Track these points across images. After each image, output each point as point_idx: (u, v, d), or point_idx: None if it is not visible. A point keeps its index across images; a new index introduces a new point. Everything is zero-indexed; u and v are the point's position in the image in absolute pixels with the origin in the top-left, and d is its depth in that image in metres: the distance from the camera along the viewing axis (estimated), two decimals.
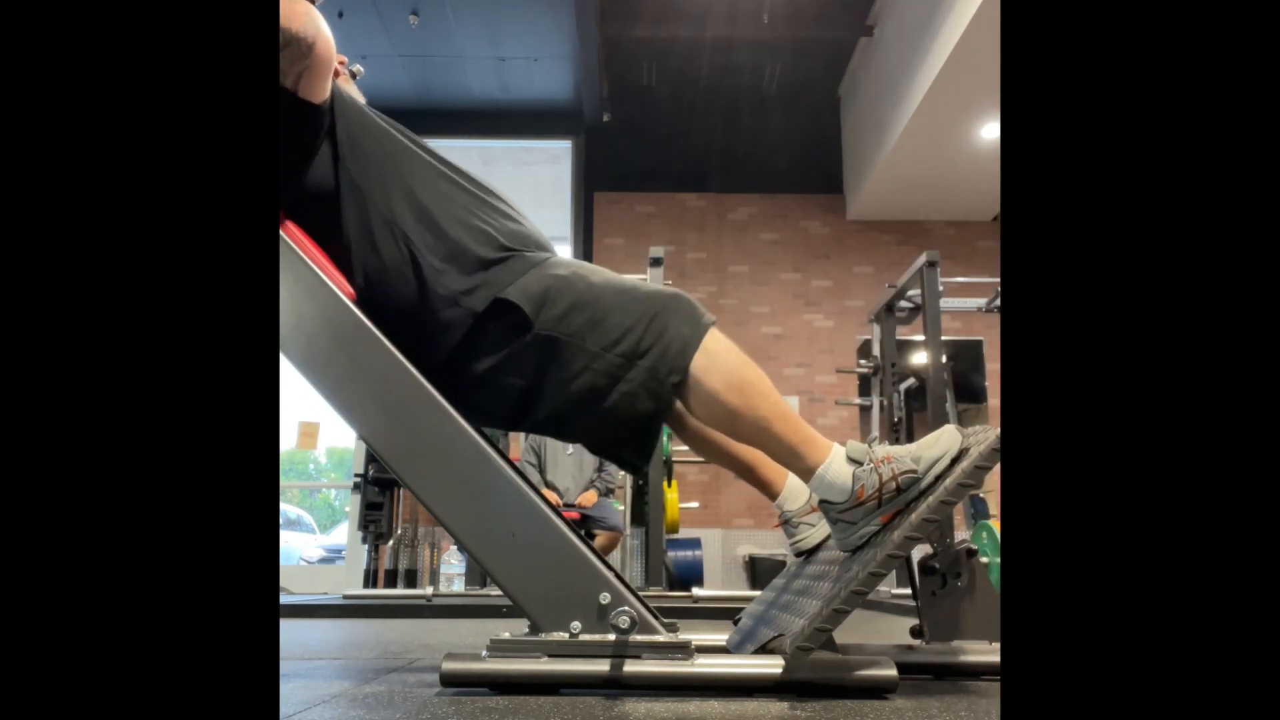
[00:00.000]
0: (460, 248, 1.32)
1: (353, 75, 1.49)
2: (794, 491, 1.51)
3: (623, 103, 7.51)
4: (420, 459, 1.23)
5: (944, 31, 5.17)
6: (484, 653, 1.16)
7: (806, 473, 1.27)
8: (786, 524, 1.54)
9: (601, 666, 1.15)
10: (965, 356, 6.29)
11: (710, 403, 1.26)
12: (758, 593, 1.89)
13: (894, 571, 1.90)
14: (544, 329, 1.28)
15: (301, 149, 1.32)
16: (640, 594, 1.25)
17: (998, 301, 4.55)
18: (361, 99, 1.43)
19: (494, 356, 1.29)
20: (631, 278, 1.38)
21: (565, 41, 6.49)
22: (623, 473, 4.44)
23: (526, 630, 1.20)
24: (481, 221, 1.35)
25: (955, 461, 1.20)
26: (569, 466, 4.73)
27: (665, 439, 3.96)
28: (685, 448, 1.87)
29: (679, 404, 1.32)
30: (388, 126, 1.40)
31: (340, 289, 1.27)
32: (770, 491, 1.53)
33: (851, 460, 1.24)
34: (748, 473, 1.52)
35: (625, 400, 1.27)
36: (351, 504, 5.31)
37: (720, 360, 1.26)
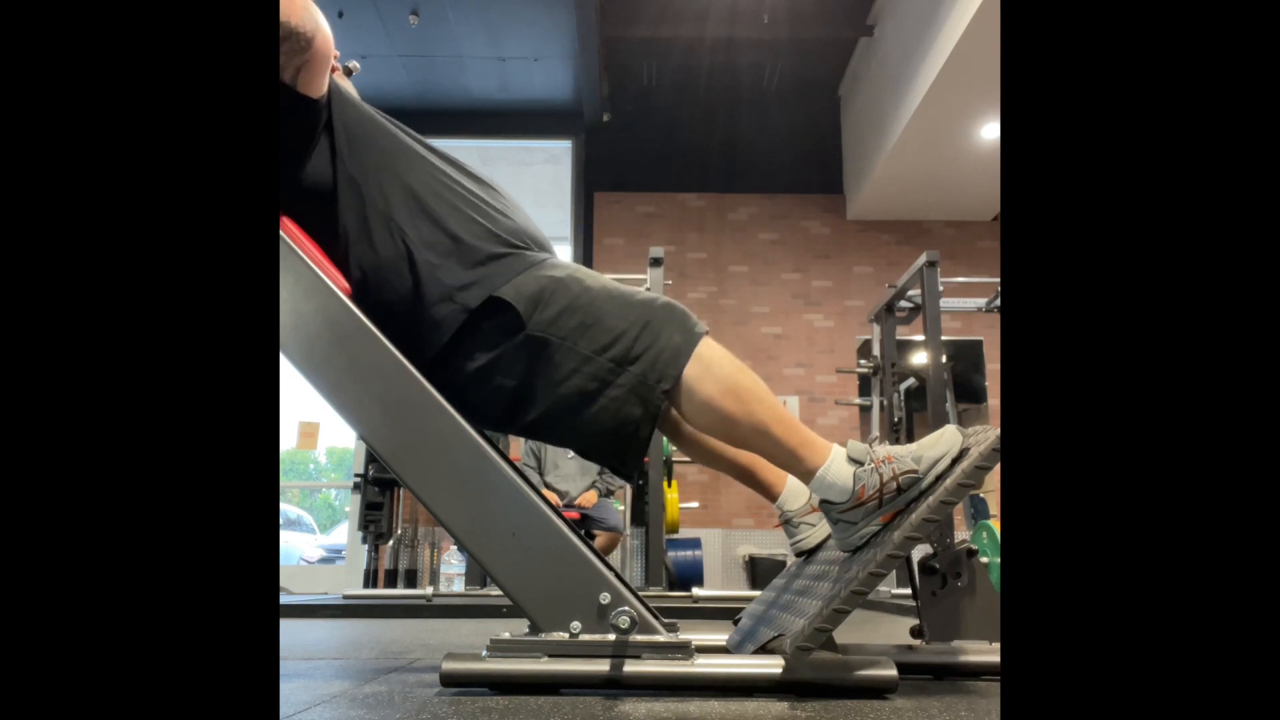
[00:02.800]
0: (457, 243, 1.31)
1: (348, 72, 1.48)
2: (794, 492, 1.51)
3: (623, 103, 7.51)
4: (420, 459, 1.23)
5: (944, 31, 5.17)
6: (484, 653, 1.16)
7: (806, 475, 1.27)
8: (787, 524, 1.54)
9: (601, 666, 1.15)
10: (965, 356, 6.30)
11: (706, 410, 1.26)
12: (758, 593, 1.89)
13: (894, 571, 1.90)
14: (536, 330, 1.27)
15: (298, 144, 1.32)
16: (640, 594, 1.25)
17: (998, 301, 4.55)
18: (356, 96, 1.43)
19: (486, 355, 1.29)
20: (627, 286, 1.37)
21: (565, 41, 6.49)
22: None
23: (526, 630, 1.20)
24: (481, 216, 1.34)
25: (956, 462, 1.20)
26: (571, 470, 4.72)
27: (665, 440, 3.95)
28: None
29: (675, 412, 1.31)
30: (385, 121, 1.40)
31: (337, 285, 1.27)
32: (770, 494, 1.52)
33: (852, 460, 1.24)
34: (747, 476, 1.51)
35: (614, 405, 1.26)
36: (351, 504, 5.30)
37: (715, 367, 1.26)
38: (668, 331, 1.27)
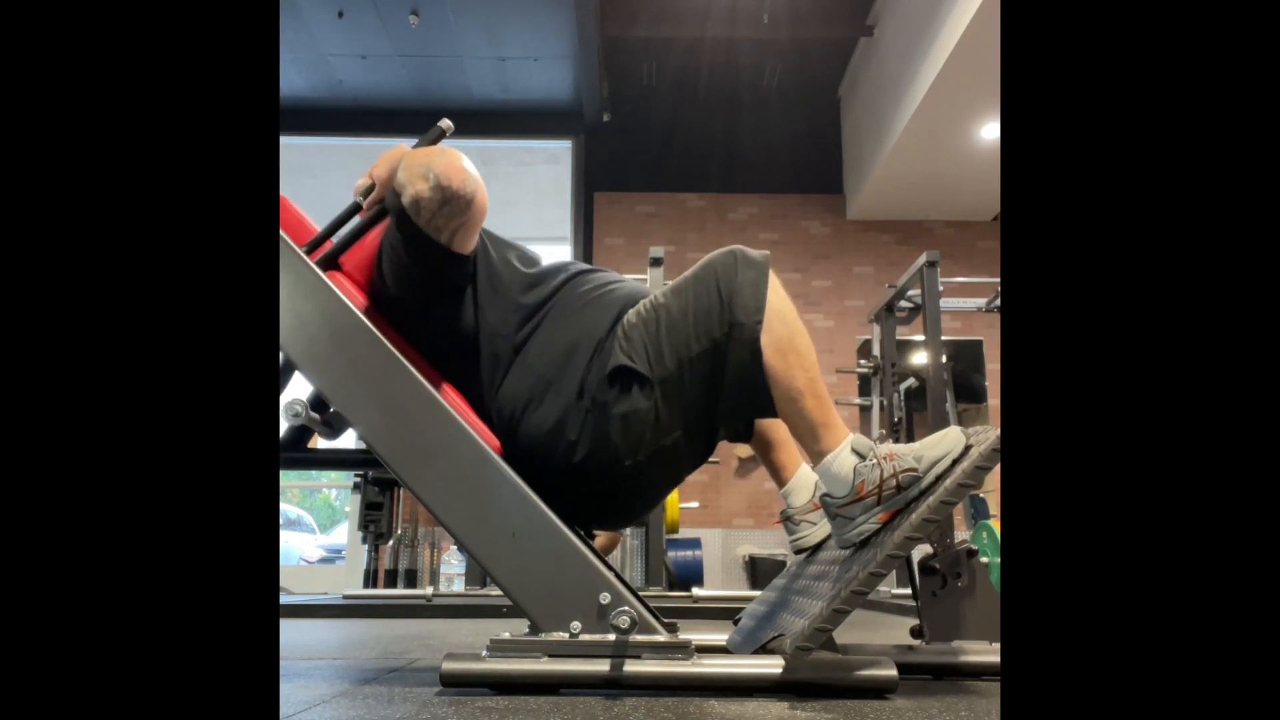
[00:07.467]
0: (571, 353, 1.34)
1: (442, 133, 1.40)
2: (800, 485, 1.51)
3: (623, 103, 7.50)
4: (420, 459, 1.23)
5: (944, 31, 5.17)
6: (484, 653, 1.16)
7: (818, 455, 1.27)
8: (788, 521, 1.54)
9: (601, 666, 1.14)
10: (965, 356, 6.29)
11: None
12: (758, 593, 1.89)
13: (894, 571, 1.90)
14: (659, 376, 1.28)
15: (446, 298, 1.34)
16: (640, 594, 1.25)
17: (998, 301, 4.55)
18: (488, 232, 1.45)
19: (633, 426, 1.30)
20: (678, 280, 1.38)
21: (565, 41, 6.48)
22: None
23: (526, 630, 1.20)
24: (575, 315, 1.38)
25: (956, 462, 1.20)
26: None
27: None
28: None
29: None
30: (516, 261, 1.43)
31: (486, 441, 1.26)
32: (780, 478, 1.54)
33: (855, 453, 1.24)
34: (766, 450, 1.53)
35: (735, 367, 1.27)
36: (351, 504, 5.30)
37: (773, 321, 1.26)
38: (740, 272, 1.29)
